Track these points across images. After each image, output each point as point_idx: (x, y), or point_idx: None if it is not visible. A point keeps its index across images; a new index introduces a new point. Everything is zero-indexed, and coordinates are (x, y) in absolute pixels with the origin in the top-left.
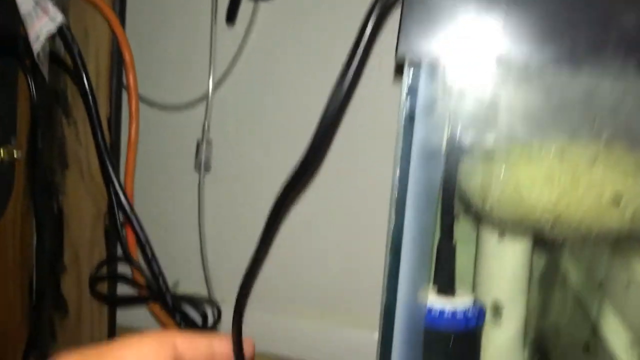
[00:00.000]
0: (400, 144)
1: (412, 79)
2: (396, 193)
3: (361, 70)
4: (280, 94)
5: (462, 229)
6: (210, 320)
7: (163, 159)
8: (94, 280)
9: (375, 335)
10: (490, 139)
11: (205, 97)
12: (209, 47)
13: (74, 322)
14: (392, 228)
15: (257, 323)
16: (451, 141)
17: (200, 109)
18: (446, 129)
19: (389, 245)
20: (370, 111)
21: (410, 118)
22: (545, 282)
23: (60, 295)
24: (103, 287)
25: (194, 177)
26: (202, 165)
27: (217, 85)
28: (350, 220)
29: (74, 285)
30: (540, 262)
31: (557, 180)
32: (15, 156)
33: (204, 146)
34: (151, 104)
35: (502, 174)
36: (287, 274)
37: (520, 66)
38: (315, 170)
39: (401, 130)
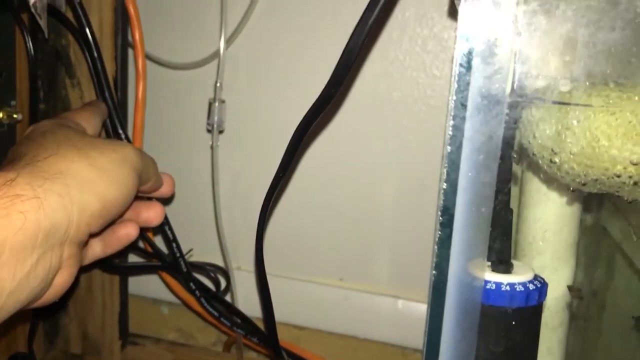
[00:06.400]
0: (454, 90)
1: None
2: (449, 148)
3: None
4: (295, 49)
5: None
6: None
7: (173, 121)
8: None
9: (399, 304)
10: (565, 82)
11: (216, 54)
12: (219, 1)
13: (85, 292)
14: (443, 188)
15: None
16: (517, 86)
17: (212, 67)
18: (511, 71)
19: (440, 209)
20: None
21: (468, 60)
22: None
23: None
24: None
25: (207, 139)
26: (215, 126)
27: (229, 42)
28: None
29: None
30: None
31: None
32: (15, 117)
33: (216, 106)
34: (159, 62)
35: (578, 122)
36: (300, 236)
37: None
38: (333, 106)
39: (456, 74)
